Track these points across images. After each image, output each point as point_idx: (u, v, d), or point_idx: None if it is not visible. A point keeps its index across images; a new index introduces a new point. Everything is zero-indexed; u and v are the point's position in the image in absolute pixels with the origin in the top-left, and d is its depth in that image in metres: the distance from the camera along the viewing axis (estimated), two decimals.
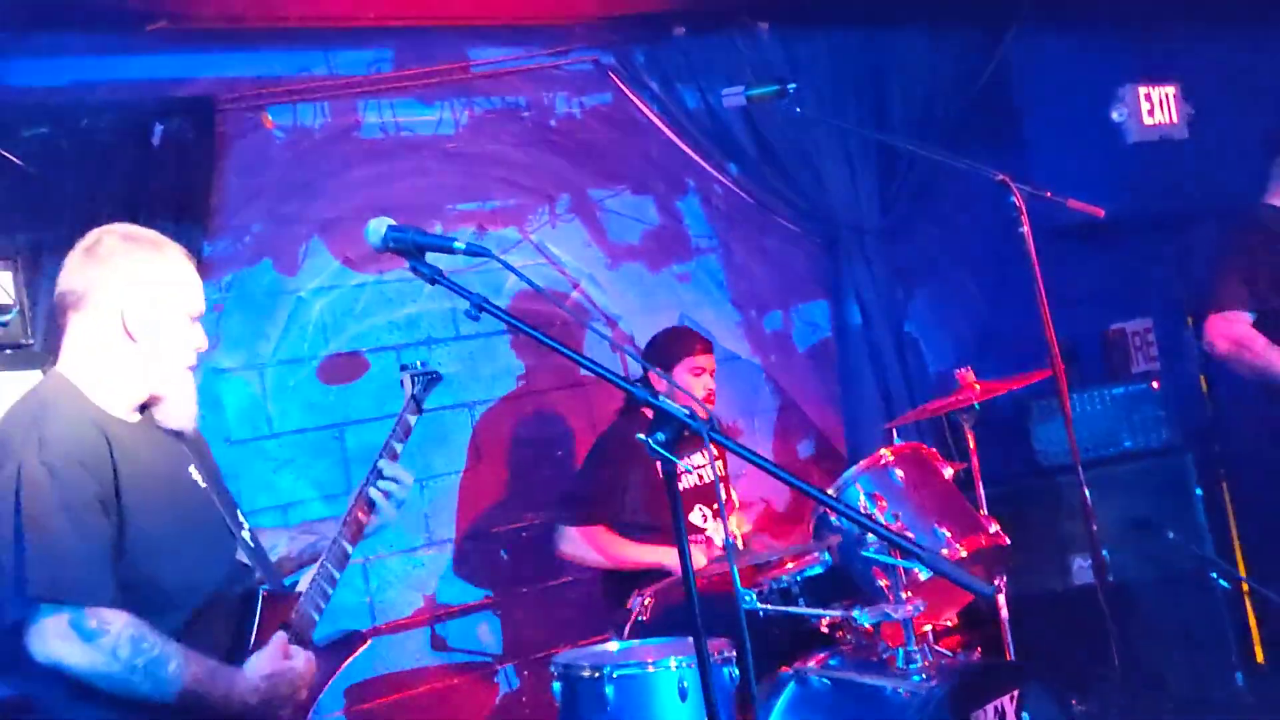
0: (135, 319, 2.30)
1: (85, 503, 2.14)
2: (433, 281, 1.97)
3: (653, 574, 3.67)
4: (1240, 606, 4.67)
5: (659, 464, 1.85)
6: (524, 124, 4.54)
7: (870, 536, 3.07)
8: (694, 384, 3.92)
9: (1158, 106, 5.20)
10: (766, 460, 1.83)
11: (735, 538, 3.27)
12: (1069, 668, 4.03)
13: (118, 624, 2.11)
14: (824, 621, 3.31)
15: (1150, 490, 4.56)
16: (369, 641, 2.60)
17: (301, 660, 2.33)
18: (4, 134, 3.42)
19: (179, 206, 3.69)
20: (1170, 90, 5.18)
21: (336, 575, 2.49)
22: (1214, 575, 4.43)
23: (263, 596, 2.36)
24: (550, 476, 4.38)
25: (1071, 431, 3.42)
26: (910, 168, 4.99)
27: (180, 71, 3.87)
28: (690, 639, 3.23)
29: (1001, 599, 3.58)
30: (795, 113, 3.54)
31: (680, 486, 3.90)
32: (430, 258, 2.01)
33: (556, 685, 3.09)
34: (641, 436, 1.74)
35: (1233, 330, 3.87)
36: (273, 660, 2.28)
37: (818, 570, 3.37)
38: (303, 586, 2.45)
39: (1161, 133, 5.18)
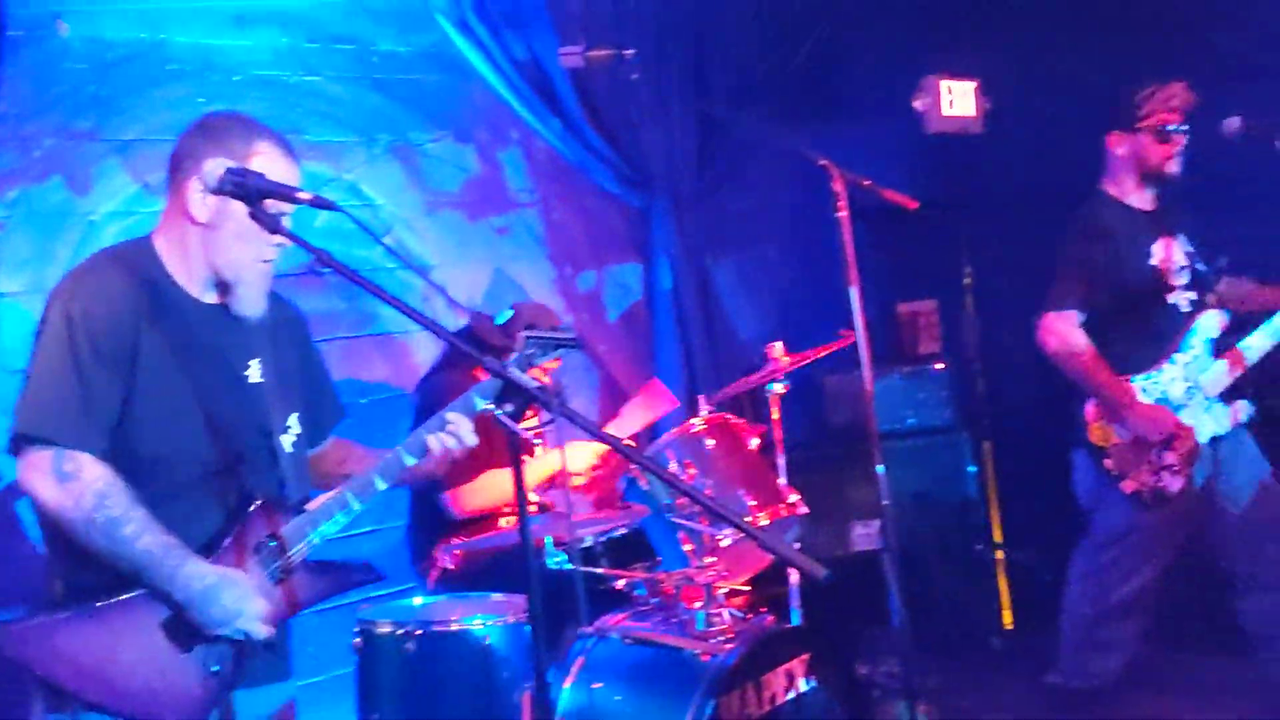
0: (196, 203, 2.32)
1: (94, 355, 2.21)
2: (274, 231, 1.89)
3: (460, 524, 3.66)
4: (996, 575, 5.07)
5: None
6: (344, 58, 4.37)
7: (678, 503, 3.15)
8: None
9: (958, 99, 5.46)
10: (602, 431, 1.85)
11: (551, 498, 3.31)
12: (849, 629, 4.27)
13: (90, 474, 2.19)
14: (620, 584, 3.39)
15: (929, 465, 4.88)
16: (379, 580, 2.53)
17: (251, 584, 2.30)
18: None
19: None
20: (971, 85, 5.46)
21: (354, 505, 2.41)
22: (979, 546, 4.78)
23: (258, 503, 2.35)
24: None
25: (871, 405, 3.58)
26: (728, 133, 5.08)
27: None
28: (494, 596, 3.29)
29: None
30: (630, 79, 3.53)
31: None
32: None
33: (355, 642, 3.05)
34: (488, 405, 1.73)
35: (1064, 333, 3.78)
36: (235, 570, 2.28)
37: (621, 533, 3.45)
38: (312, 506, 2.42)
39: (959, 125, 5.46)
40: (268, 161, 2.32)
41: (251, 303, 2.40)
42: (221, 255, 2.34)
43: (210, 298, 2.41)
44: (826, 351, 3.68)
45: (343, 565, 2.52)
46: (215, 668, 2.28)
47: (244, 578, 2.30)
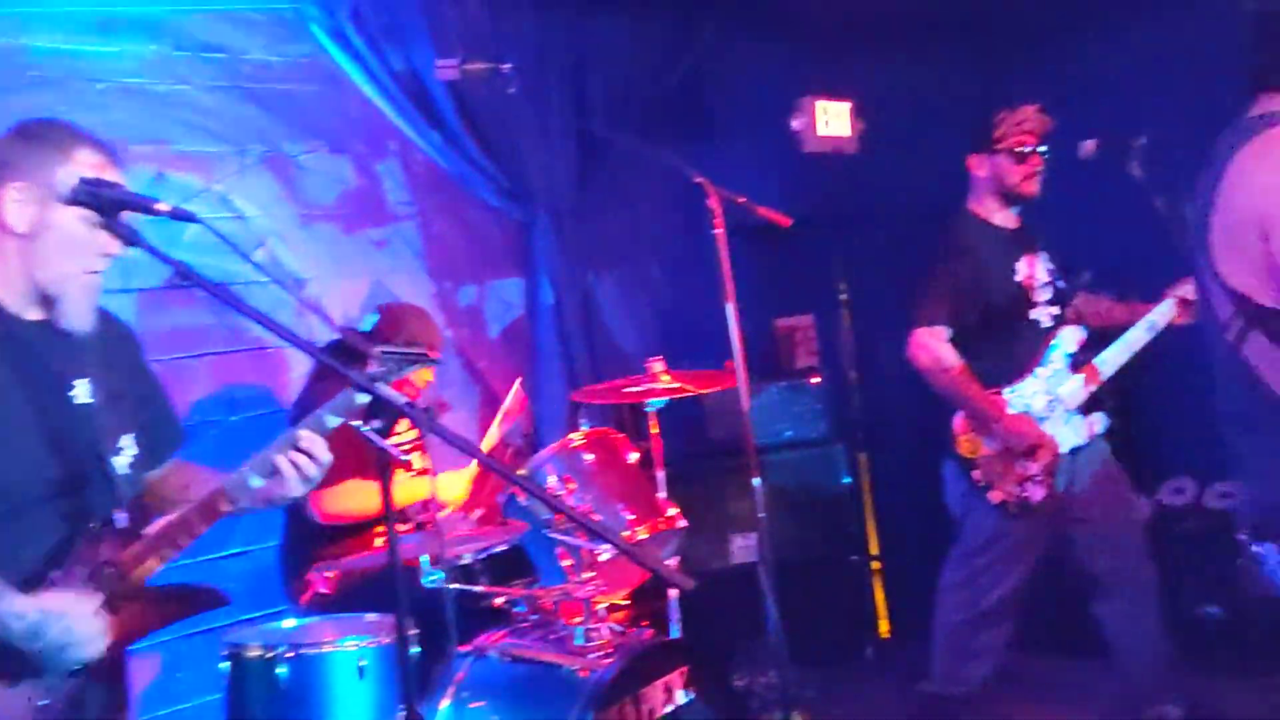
0: (13, 214, 2.21)
1: None
2: (131, 243, 1.84)
3: (335, 544, 3.59)
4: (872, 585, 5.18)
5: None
6: (214, 68, 4.27)
7: (556, 519, 3.14)
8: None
9: (833, 120, 5.59)
10: (474, 446, 1.84)
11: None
12: (727, 641, 4.31)
13: None
14: (499, 601, 3.36)
15: (805, 477, 4.96)
16: (226, 604, 2.42)
17: (89, 624, 2.19)
18: None
19: None
20: (845, 106, 5.59)
21: (198, 528, 2.31)
22: (854, 557, 4.87)
23: (90, 530, 2.25)
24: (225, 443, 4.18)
25: (748, 421, 3.63)
26: (608, 148, 5.11)
27: None
28: (367, 617, 3.23)
29: None
30: (507, 93, 3.52)
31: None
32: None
33: (224, 665, 2.96)
34: (353, 423, 1.71)
35: (934, 348, 3.85)
36: (61, 601, 2.16)
37: (500, 549, 3.43)
38: (151, 530, 2.31)
39: (834, 144, 5.58)
40: (87, 170, 2.21)
41: (77, 317, 2.29)
42: (43, 268, 2.24)
43: (32, 314, 2.30)
44: (709, 386, 3.72)
45: (187, 589, 2.42)
46: (43, 702, 2.17)
47: (71, 605, 2.18)
